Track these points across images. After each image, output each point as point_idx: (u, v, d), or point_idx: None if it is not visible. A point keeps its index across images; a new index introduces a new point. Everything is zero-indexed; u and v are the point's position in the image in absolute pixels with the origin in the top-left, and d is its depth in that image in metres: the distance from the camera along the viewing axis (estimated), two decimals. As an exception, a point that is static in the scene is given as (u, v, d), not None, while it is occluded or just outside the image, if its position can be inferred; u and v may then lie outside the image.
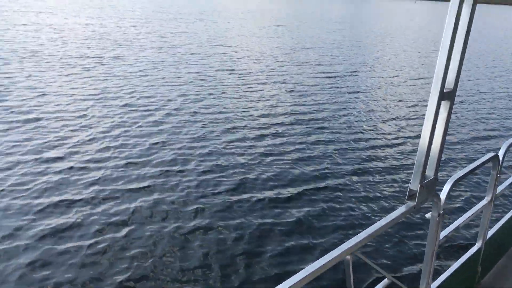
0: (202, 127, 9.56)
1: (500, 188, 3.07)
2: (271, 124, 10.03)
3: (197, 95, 12.22)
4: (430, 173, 2.01)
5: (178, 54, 18.91)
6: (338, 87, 14.40)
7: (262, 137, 9.19)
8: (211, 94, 12.42)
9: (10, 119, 9.28)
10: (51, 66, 14.76)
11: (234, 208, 6.24)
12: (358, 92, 13.93)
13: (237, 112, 10.82)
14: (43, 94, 11.28)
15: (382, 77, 16.72)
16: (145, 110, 10.46)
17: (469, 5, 1.85)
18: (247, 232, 5.65)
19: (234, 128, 9.62)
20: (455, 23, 1.80)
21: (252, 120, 10.28)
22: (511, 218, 3.36)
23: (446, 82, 1.91)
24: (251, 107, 11.31)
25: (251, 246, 5.37)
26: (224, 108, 11.10)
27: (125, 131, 8.96)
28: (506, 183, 3.25)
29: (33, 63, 15.00)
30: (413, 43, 29.38)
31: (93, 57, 16.82)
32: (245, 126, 9.81)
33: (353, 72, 17.36)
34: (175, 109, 10.70)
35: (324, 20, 46.53)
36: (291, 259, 5.17)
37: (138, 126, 9.32)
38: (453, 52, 1.88)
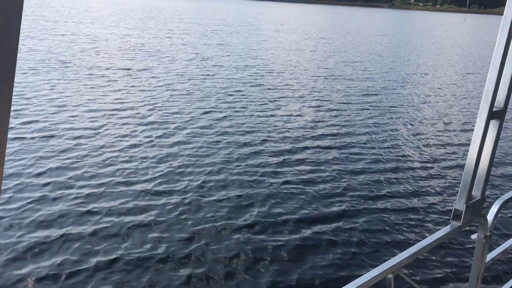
0: (221, 148, 8.86)
1: None
2: (298, 148, 9.22)
3: (221, 111, 11.58)
4: (476, 193, 1.96)
5: (208, 66, 18.43)
6: (374, 105, 13.44)
7: (285, 162, 8.37)
8: (236, 111, 11.75)
9: (23, 135, 8.89)
10: (77, 77, 14.53)
11: (245, 254, 5.47)
12: (397, 109, 12.91)
13: (260, 132, 10.09)
14: (63, 107, 10.93)
15: (423, 94, 15.59)
16: (163, 128, 9.88)
17: None
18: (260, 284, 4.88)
19: (255, 151, 8.87)
20: (507, 39, 1.74)
21: (277, 141, 9.51)
22: None
23: (496, 101, 1.85)
24: (276, 127, 10.55)
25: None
26: (247, 127, 10.39)
27: (138, 151, 8.37)
28: None
29: (60, 74, 14.83)
30: (459, 58, 27.86)
31: (122, 69, 16.56)
32: (268, 148, 9.04)
33: (392, 88, 16.31)
34: (195, 127, 10.07)
35: (365, 32, 45.34)
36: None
37: (153, 145, 8.73)
38: (505, 69, 1.81)
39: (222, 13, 65.78)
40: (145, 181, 7.12)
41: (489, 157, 1.93)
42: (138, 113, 10.87)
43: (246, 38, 31.60)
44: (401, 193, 7.40)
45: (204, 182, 7.22)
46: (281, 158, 8.51)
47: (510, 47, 1.81)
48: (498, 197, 2.26)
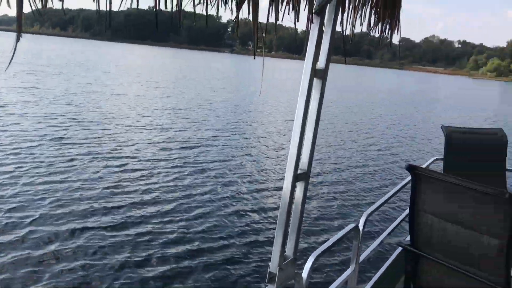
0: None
1: (362, 257, 3.09)
2: (77, 226, 7.41)
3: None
4: (289, 253, 2.02)
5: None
6: (188, 161, 12.27)
7: (55, 251, 6.51)
8: (13, 176, 9.44)
9: None
10: None
11: None
12: (212, 165, 11.89)
13: (36, 205, 8.03)
14: None
15: (245, 146, 15.05)
16: None
17: (319, 84, 1.98)
18: None
19: (15, 233, 6.81)
20: (305, 105, 1.92)
21: (54, 219, 7.57)
22: (374, 286, 3.39)
23: (301, 163, 1.96)
24: (59, 197, 8.58)
25: None
26: (18, 198, 8.23)
27: None
28: (368, 251, 3.27)
29: None
30: (287, 105, 28.81)
31: None
32: (37, 231, 7.04)
33: (213, 139, 15.46)
34: None
35: (201, 77, 45.38)
36: None
37: None
38: (306, 133, 1.97)
39: (51, 52, 60.62)
40: None
41: (298, 217, 2.03)
42: None
43: (68, 81, 28.69)
44: (213, 261, 6.65)
45: None
46: (48, 245, 6.62)
47: (309, 113, 1.97)
48: (311, 253, 2.25)
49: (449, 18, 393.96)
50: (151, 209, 8.44)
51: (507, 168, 4.70)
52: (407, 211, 3.68)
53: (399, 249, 3.84)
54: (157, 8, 1.48)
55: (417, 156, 16.14)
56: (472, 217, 2.54)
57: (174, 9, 1.52)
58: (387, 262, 3.78)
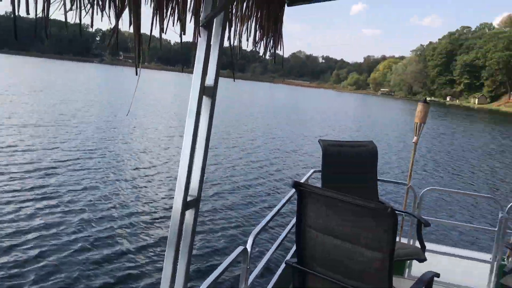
0: None
1: (251, 279, 3.02)
2: None
3: None
4: (178, 285, 1.95)
5: None
6: (50, 192, 10.43)
7: None
8: None
9: None
10: None
11: None
12: (78, 196, 10.22)
13: None
14: None
15: (103, 171, 13.44)
16: None
17: (208, 102, 1.86)
18: None
19: None
20: (194, 126, 1.79)
21: None
22: None
23: (190, 189, 1.88)
24: None
25: None
26: None
27: None
28: (256, 272, 3.22)
29: None
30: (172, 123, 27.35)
31: None
32: None
33: (71, 167, 13.61)
34: None
35: (65, 88, 41.64)
36: None
37: None
38: (196, 157, 1.86)
39: None
40: None
41: (187, 248, 1.88)
42: None
43: None
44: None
45: None
46: None
47: (199, 134, 1.86)
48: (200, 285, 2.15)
49: (313, 35, 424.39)
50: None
51: (378, 178, 4.85)
52: (289, 227, 3.88)
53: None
54: (16, 13, 1.28)
55: (296, 172, 16.05)
56: (353, 231, 2.55)
57: (39, 15, 1.34)
58: (273, 279, 3.73)
